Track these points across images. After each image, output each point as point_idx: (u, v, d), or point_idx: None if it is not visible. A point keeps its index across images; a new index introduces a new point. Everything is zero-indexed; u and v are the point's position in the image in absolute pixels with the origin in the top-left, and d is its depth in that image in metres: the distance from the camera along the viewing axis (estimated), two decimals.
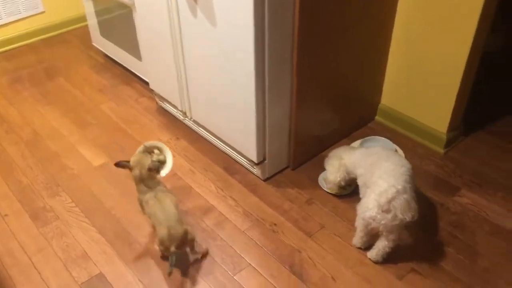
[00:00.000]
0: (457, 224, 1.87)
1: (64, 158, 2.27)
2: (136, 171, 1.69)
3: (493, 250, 1.77)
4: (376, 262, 1.72)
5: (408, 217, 1.56)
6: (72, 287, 1.69)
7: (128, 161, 1.71)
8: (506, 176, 2.08)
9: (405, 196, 1.56)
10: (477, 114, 2.36)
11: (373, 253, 1.72)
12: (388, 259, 1.72)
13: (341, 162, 1.88)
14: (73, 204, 2.02)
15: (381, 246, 1.68)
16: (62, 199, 2.04)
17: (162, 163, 1.77)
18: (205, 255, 1.77)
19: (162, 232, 1.59)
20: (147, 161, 1.70)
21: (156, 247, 1.73)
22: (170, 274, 1.57)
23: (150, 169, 1.69)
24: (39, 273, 1.74)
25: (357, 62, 2.11)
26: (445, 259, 1.74)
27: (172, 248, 1.57)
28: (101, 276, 1.72)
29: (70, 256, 1.80)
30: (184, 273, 1.72)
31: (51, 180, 2.15)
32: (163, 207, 1.64)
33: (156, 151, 1.78)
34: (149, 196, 1.68)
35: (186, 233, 1.62)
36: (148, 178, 1.69)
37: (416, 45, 2.08)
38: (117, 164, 1.71)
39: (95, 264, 1.77)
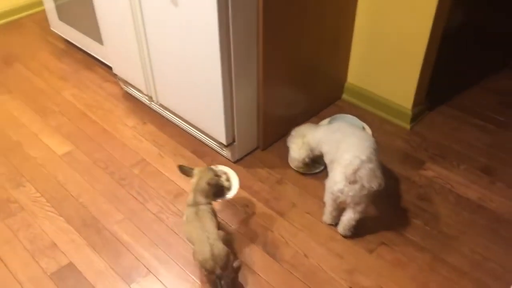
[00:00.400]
0: (424, 197, 1.92)
1: (27, 148, 2.20)
2: (194, 179, 1.63)
3: (458, 219, 1.83)
4: (345, 237, 1.75)
5: (374, 185, 1.59)
6: (41, 279, 1.65)
7: (193, 168, 1.66)
8: (469, 148, 2.14)
9: (370, 165, 1.59)
10: (440, 89, 2.41)
11: (340, 228, 1.75)
12: (358, 233, 1.76)
13: (304, 140, 1.91)
14: (39, 194, 1.96)
15: (346, 219, 1.70)
16: (27, 190, 1.98)
17: (226, 189, 1.72)
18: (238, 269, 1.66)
19: (205, 250, 1.47)
20: (210, 175, 1.65)
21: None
22: None
23: (209, 184, 1.62)
24: (6, 265, 1.69)
25: (322, 41, 2.11)
26: (413, 230, 1.79)
27: (218, 271, 1.46)
28: (71, 266, 1.69)
29: (38, 247, 1.75)
30: (157, 258, 1.71)
31: (14, 171, 2.08)
32: (203, 225, 1.53)
33: (224, 176, 1.73)
34: (190, 211, 1.58)
35: (229, 255, 1.50)
36: (203, 191, 1.61)
37: (380, 22, 2.10)
38: (180, 167, 1.66)
39: (64, 254, 1.73)
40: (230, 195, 1.72)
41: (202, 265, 1.49)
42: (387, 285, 1.61)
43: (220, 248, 1.49)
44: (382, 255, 1.71)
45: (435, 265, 1.67)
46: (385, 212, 1.86)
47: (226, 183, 1.72)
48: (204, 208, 1.59)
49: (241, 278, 1.64)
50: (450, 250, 1.71)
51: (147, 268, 1.68)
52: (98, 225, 1.83)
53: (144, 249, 1.74)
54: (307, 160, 1.95)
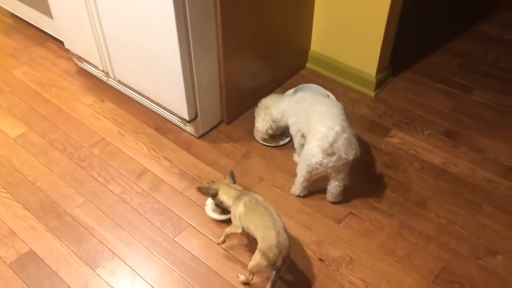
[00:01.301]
0: (390, 164, 1.93)
1: None
2: (222, 186, 1.58)
3: (423, 185, 1.84)
4: (336, 202, 1.76)
5: (351, 155, 1.60)
6: (0, 268, 1.58)
7: (209, 187, 1.60)
8: (432, 113, 2.15)
9: (345, 135, 1.59)
10: (403, 54, 2.39)
11: (329, 197, 1.75)
12: (326, 204, 1.75)
13: (266, 111, 1.89)
14: None
15: (332, 188, 1.71)
16: None
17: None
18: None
19: (270, 237, 1.38)
20: (226, 179, 1.63)
21: (247, 273, 1.48)
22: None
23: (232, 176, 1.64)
24: None
25: (284, 9, 2.04)
26: (380, 198, 1.79)
27: (279, 262, 1.37)
28: (31, 253, 1.62)
29: None
30: (122, 240, 1.66)
31: None
32: (269, 213, 1.46)
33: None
34: (246, 199, 1.50)
35: (290, 248, 1.42)
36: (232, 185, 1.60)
37: None
38: (199, 189, 1.59)
39: (23, 242, 1.65)
40: None
41: (265, 255, 1.38)
42: (356, 254, 1.62)
43: (285, 237, 1.41)
44: (350, 224, 1.71)
45: (402, 232, 1.68)
46: (353, 181, 1.84)
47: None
48: (261, 199, 1.52)
49: (212, 256, 1.61)
50: (417, 216, 1.73)
51: (112, 251, 1.63)
52: (58, 210, 1.75)
53: (108, 232, 1.68)
54: (270, 132, 1.92)
